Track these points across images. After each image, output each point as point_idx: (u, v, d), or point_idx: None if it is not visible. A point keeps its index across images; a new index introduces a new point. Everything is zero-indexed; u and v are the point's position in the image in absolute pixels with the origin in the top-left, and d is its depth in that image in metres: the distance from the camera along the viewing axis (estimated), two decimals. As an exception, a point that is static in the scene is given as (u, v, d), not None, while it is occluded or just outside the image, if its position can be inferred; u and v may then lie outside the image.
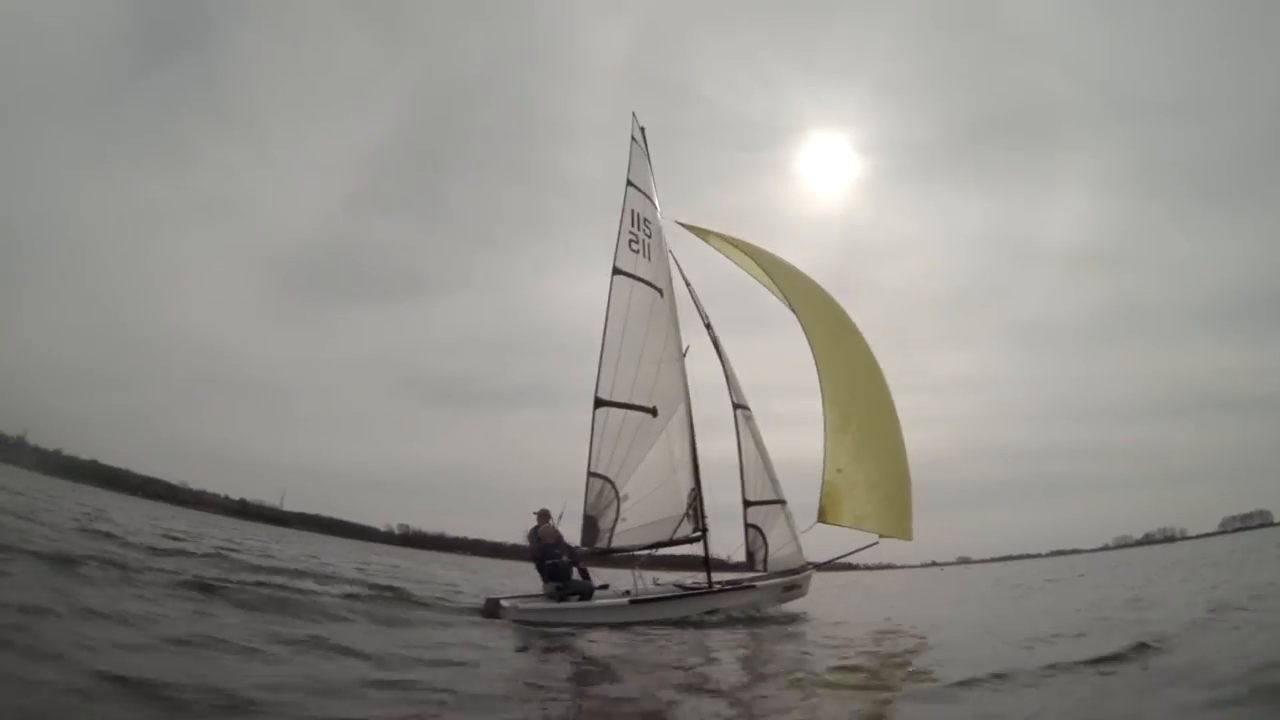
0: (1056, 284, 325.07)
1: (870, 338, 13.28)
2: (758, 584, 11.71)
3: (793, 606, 12.18)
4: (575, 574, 10.06)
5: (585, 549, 10.33)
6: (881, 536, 11.87)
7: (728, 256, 13.72)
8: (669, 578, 11.76)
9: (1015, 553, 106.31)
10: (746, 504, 12.32)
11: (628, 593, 10.20)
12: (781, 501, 12.63)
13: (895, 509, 12.01)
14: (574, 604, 9.57)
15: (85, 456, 63.76)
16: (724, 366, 13.05)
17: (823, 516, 11.85)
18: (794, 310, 12.55)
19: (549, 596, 9.73)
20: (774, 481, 12.68)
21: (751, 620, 10.50)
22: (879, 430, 12.35)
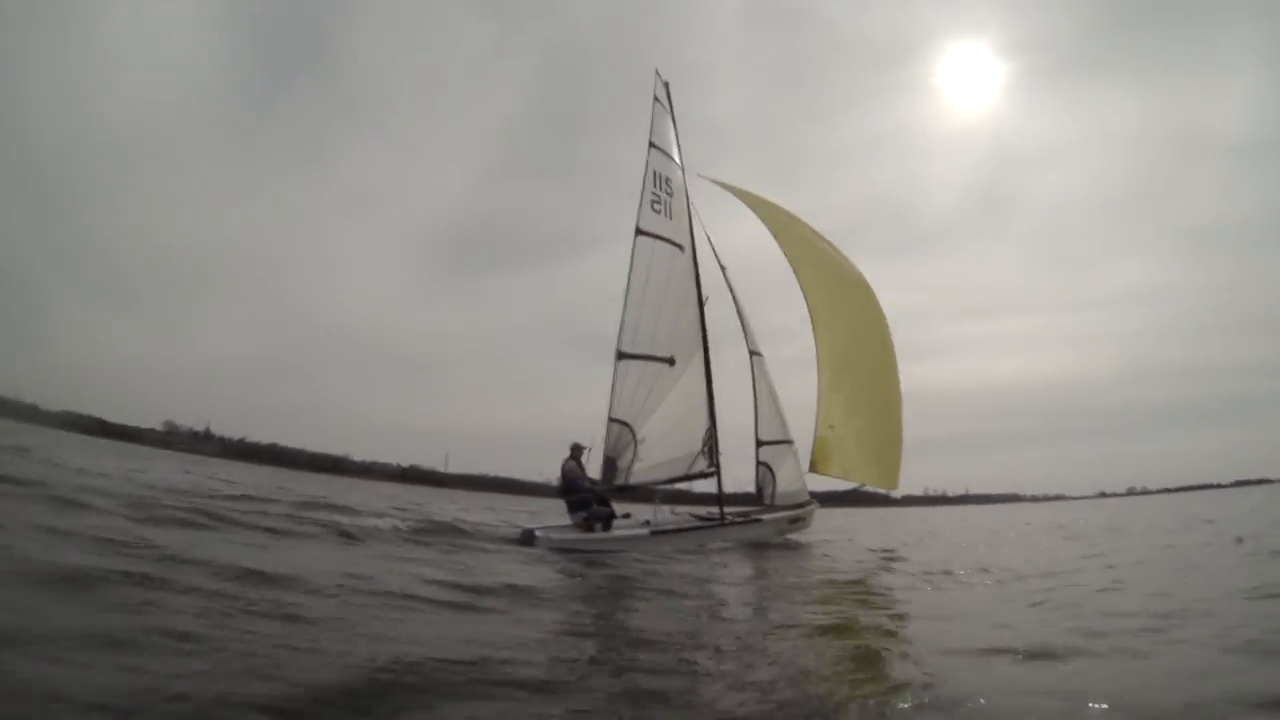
0: (1231, 179, 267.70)
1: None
2: (764, 517, 12.85)
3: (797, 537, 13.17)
4: (595, 504, 11.30)
5: (604, 487, 11.59)
6: (864, 486, 12.52)
7: (750, 208, 14.12)
8: (685, 508, 12.95)
9: (1195, 482, 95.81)
10: (759, 443, 13.36)
11: (647, 523, 11.35)
12: (789, 441, 13.58)
13: (882, 462, 12.69)
14: (599, 534, 10.74)
15: (265, 441, 72.29)
16: (739, 314, 13.82)
17: (813, 467, 12.96)
18: (795, 271, 12.94)
19: (575, 526, 10.95)
20: (783, 423, 13.62)
21: (756, 548, 11.62)
22: (874, 389, 12.99)
